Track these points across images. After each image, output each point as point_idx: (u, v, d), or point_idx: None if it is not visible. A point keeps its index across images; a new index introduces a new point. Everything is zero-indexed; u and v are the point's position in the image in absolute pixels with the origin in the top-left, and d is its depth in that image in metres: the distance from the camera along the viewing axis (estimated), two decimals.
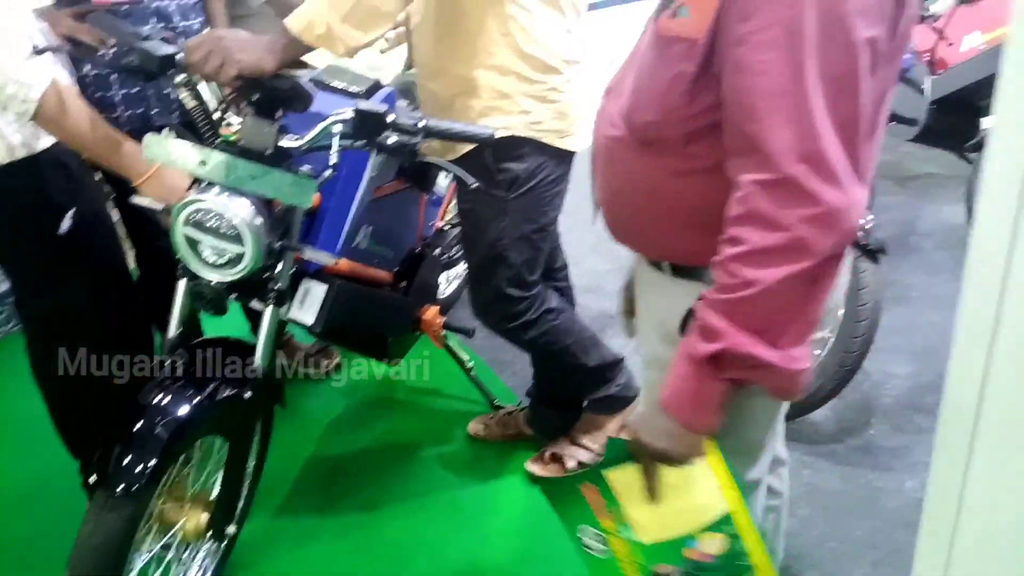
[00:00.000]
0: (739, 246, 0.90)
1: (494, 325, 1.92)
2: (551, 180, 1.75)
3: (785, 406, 1.21)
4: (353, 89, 1.74)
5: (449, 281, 2.77)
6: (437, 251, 2.30)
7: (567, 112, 1.70)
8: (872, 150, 0.94)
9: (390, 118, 1.41)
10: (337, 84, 1.75)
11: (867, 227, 2.03)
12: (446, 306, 2.58)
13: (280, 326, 1.66)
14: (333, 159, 1.42)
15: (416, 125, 1.43)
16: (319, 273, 1.68)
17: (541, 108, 1.68)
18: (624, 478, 1.04)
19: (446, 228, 2.44)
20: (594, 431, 2.07)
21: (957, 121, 3.31)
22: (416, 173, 2.01)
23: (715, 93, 0.92)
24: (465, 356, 2.35)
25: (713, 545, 1.03)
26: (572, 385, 2.06)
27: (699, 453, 1.00)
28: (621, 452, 1.04)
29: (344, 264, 1.75)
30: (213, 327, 2.01)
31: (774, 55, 0.84)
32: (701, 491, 1.02)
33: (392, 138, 1.44)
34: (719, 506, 1.01)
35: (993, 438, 0.73)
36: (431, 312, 2.17)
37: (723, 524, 1.02)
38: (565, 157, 1.76)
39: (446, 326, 2.26)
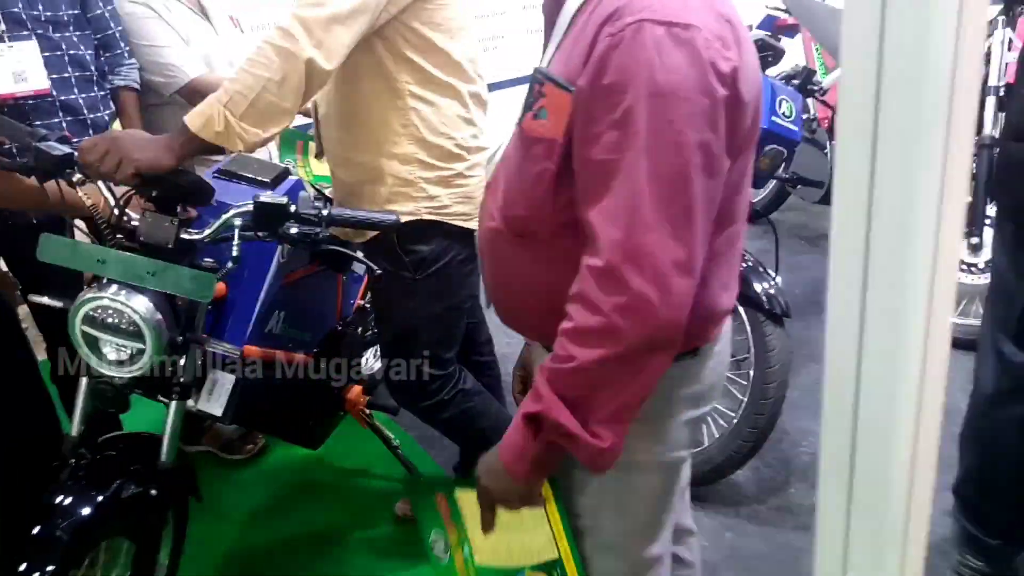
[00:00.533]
0: (569, 322, 0.97)
1: (408, 404, 1.93)
2: (460, 260, 1.79)
3: (681, 479, 1.23)
4: (260, 178, 1.76)
5: (376, 358, 2.76)
6: (358, 329, 2.30)
7: (473, 195, 1.75)
8: (724, 239, 1.02)
9: (291, 209, 1.44)
10: (244, 174, 1.78)
11: (770, 292, 2.11)
12: (373, 384, 2.58)
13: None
14: (234, 252, 1.44)
15: (318, 215, 1.46)
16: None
17: (446, 193, 1.72)
18: (470, 500, 1.11)
19: (368, 306, 2.45)
20: None
21: None
22: (330, 256, 2.03)
23: (575, 189, 0.98)
24: (391, 434, 2.34)
25: None
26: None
27: (531, 502, 1.07)
28: None
29: (256, 351, 1.74)
30: (135, 420, 1.97)
31: (611, 155, 0.91)
32: (534, 534, 1.11)
33: (294, 229, 1.46)
34: (549, 552, 1.11)
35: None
36: (354, 392, 2.16)
37: (552, 570, 1.11)
38: (470, 237, 1.81)
39: (370, 405, 2.25)
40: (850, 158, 0.58)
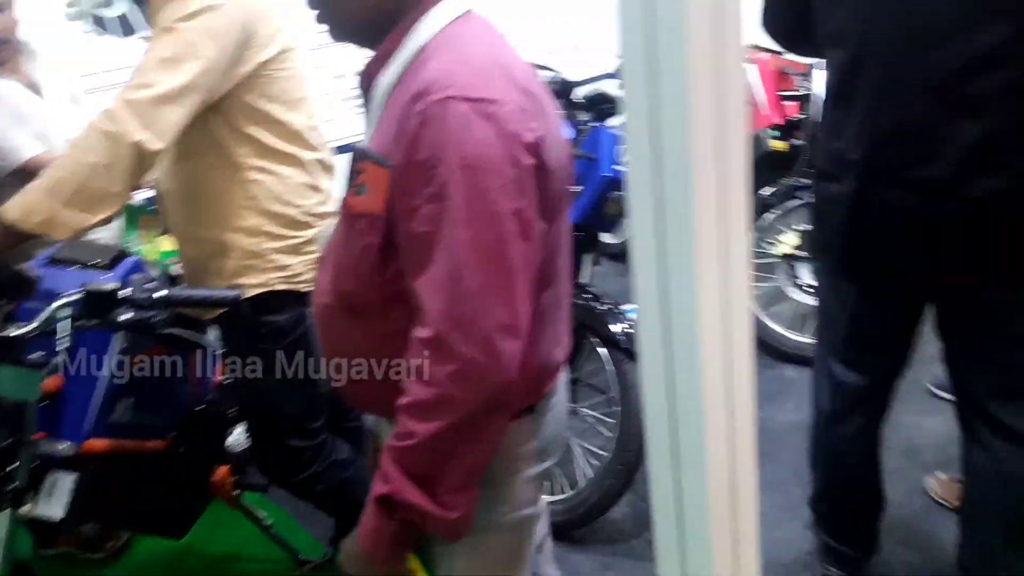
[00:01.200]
0: (406, 397, 0.98)
1: (280, 481, 1.87)
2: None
3: (534, 535, 1.25)
4: (95, 262, 1.69)
5: (245, 435, 2.66)
6: (221, 407, 2.22)
7: None
8: (551, 299, 1.06)
9: (122, 294, 1.39)
10: (78, 259, 1.70)
11: (628, 331, 2.19)
12: (242, 462, 2.47)
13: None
14: (62, 344, 1.37)
15: (151, 298, 1.41)
16: (70, 459, 1.57)
17: (297, 261, 1.71)
18: None
19: (228, 383, 2.36)
20: None
21: None
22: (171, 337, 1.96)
23: (400, 261, 1.00)
24: (263, 513, 2.24)
25: None
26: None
27: None
28: None
29: (100, 444, 1.65)
30: None
31: (430, 227, 0.94)
32: None
33: (127, 314, 1.41)
34: None
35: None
36: (220, 472, 2.07)
37: None
38: None
39: (238, 484, 2.16)
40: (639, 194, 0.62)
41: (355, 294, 1.05)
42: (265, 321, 1.70)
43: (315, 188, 1.74)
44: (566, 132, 2.92)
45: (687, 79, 0.57)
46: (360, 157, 1.01)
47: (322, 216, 1.75)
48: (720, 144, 0.62)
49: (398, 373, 1.06)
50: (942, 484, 2.21)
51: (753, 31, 5.71)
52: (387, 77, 1.04)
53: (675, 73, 0.57)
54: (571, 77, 2.88)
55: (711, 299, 0.65)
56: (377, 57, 1.05)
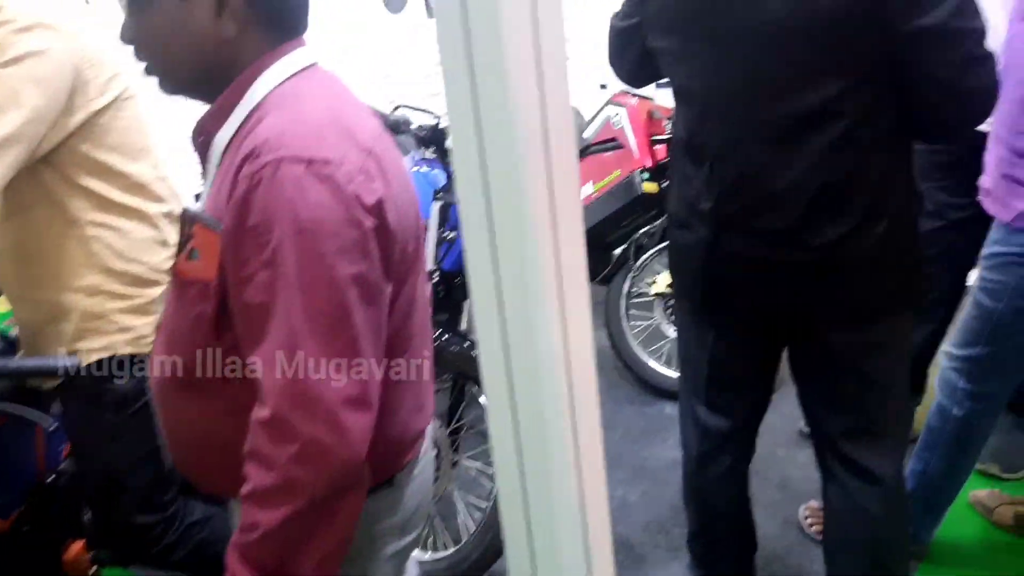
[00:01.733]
0: (248, 484, 0.91)
1: (130, 559, 1.74)
2: None
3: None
4: None
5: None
6: (73, 479, 2.05)
7: None
8: (409, 366, 1.02)
9: None
10: None
11: None
12: (100, 536, 2.29)
13: None
14: None
15: None
16: None
17: (143, 322, 1.60)
18: None
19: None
20: None
21: (591, 255, 3.74)
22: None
23: (235, 332, 0.94)
24: None
25: None
26: None
27: None
28: None
29: None
30: None
31: (265, 296, 0.88)
32: None
33: None
34: None
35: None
36: (74, 549, 1.91)
37: None
38: None
39: (95, 560, 2.00)
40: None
41: (189, 367, 0.97)
42: (108, 388, 1.58)
43: (163, 243, 1.64)
44: (429, 183, 2.89)
45: (513, 131, 0.56)
46: (191, 220, 0.95)
47: (167, 272, 1.66)
48: (554, 200, 0.61)
49: (239, 453, 1.00)
50: (814, 513, 2.28)
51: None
52: (223, 134, 0.99)
53: (501, 125, 0.57)
54: (444, 122, 2.93)
55: (552, 345, 0.64)
56: (213, 112, 1.00)
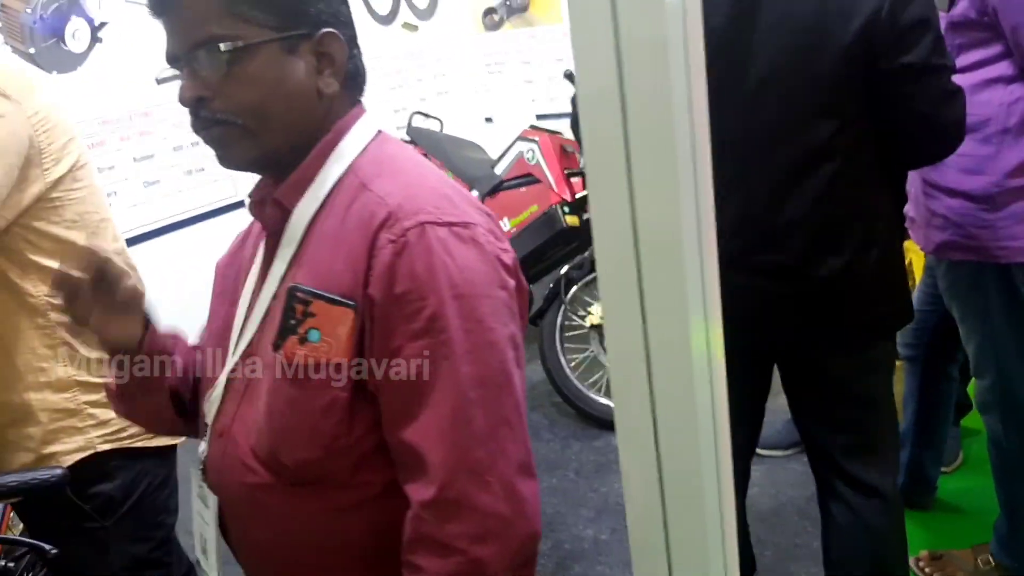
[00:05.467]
0: (418, 575, 0.82)
1: None
2: (157, 486, 1.47)
3: None
4: None
5: None
6: None
7: None
8: None
9: None
10: None
11: None
12: None
13: None
14: None
15: None
16: None
17: None
18: None
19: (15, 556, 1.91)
20: None
21: None
22: None
23: (374, 411, 0.85)
24: None
25: None
26: None
27: None
28: None
29: None
30: None
31: (427, 367, 0.81)
32: None
33: None
34: None
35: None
36: None
37: None
38: (166, 454, 1.50)
39: None
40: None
41: (316, 463, 0.86)
42: (91, 494, 1.38)
43: None
44: None
45: None
46: (306, 298, 0.84)
47: None
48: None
49: (362, 548, 0.90)
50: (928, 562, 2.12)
51: (533, 103, 5.92)
52: (307, 204, 0.89)
53: None
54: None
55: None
56: (293, 182, 0.90)
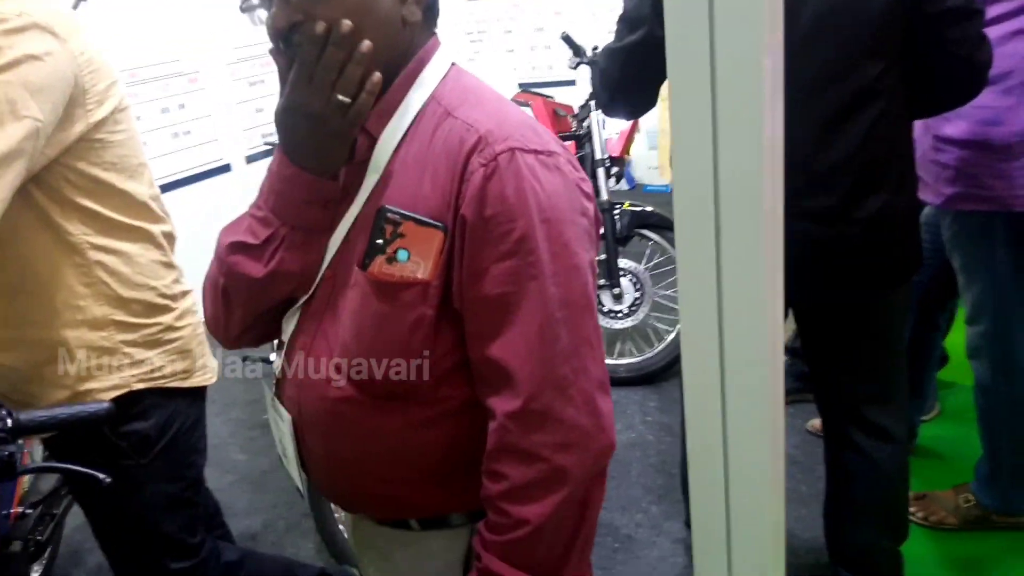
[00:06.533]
0: (502, 482, 0.87)
1: None
2: (189, 426, 1.50)
3: None
4: None
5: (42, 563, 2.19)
6: (18, 545, 1.79)
7: (189, 348, 1.48)
8: None
9: None
10: None
11: None
12: None
13: None
14: None
15: (5, 428, 1.11)
16: None
17: (156, 353, 1.43)
18: None
19: (27, 512, 1.92)
20: None
21: None
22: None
23: (457, 330, 0.89)
24: None
25: None
26: None
27: None
28: None
29: None
30: None
31: (509, 287, 0.85)
32: None
33: None
34: None
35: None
36: None
37: None
38: (197, 395, 1.53)
39: None
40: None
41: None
42: (126, 432, 1.40)
43: (169, 265, 1.48)
44: None
45: None
46: (397, 219, 0.88)
47: (179, 296, 1.49)
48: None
49: (441, 458, 0.95)
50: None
51: (515, 72, 5.90)
52: (391, 133, 0.93)
53: None
54: None
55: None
56: (378, 112, 0.93)
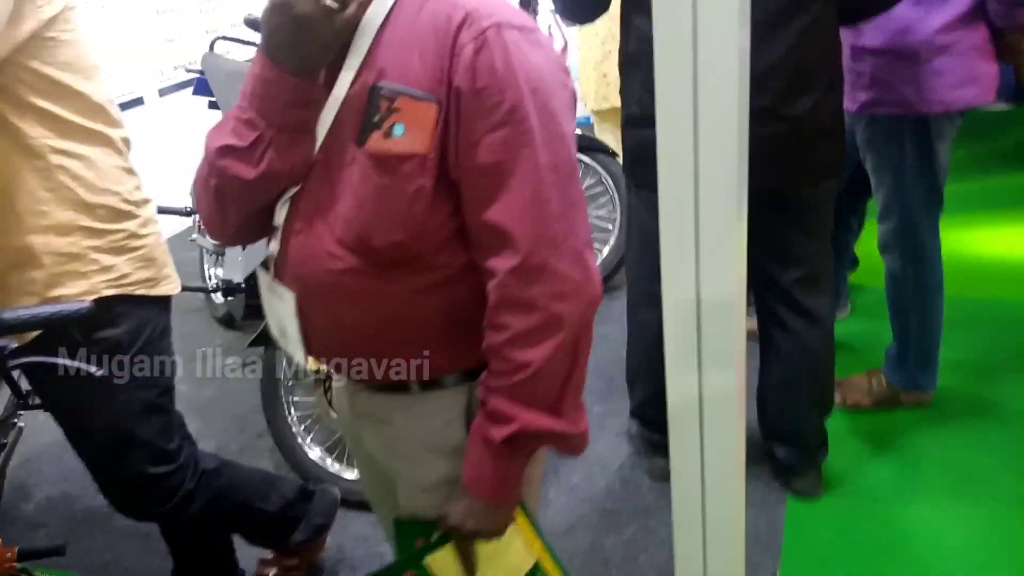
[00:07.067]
0: (504, 332, 0.95)
1: (148, 515, 1.61)
2: (159, 334, 1.51)
3: None
4: None
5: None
6: None
7: (154, 256, 1.49)
8: None
9: None
10: None
11: None
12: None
13: None
14: None
15: None
16: None
17: (123, 260, 1.43)
18: (443, 560, 1.07)
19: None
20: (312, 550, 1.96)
21: None
22: None
23: (454, 199, 0.95)
24: None
25: None
26: (261, 538, 1.88)
27: (510, 522, 1.06)
28: (423, 533, 1.08)
29: None
30: None
31: (502, 155, 0.91)
32: (512, 551, 1.09)
33: None
34: (528, 560, 1.10)
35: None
36: None
37: (534, 574, 1.11)
38: (164, 305, 1.54)
39: (23, 556, 1.76)
40: None
41: (404, 245, 0.96)
42: (97, 339, 1.41)
43: (130, 171, 1.47)
44: None
45: None
46: (391, 95, 0.92)
47: (142, 203, 1.49)
48: None
49: (440, 321, 1.02)
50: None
51: None
52: (374, 15, 0.96)
53: None
54: None
55: None
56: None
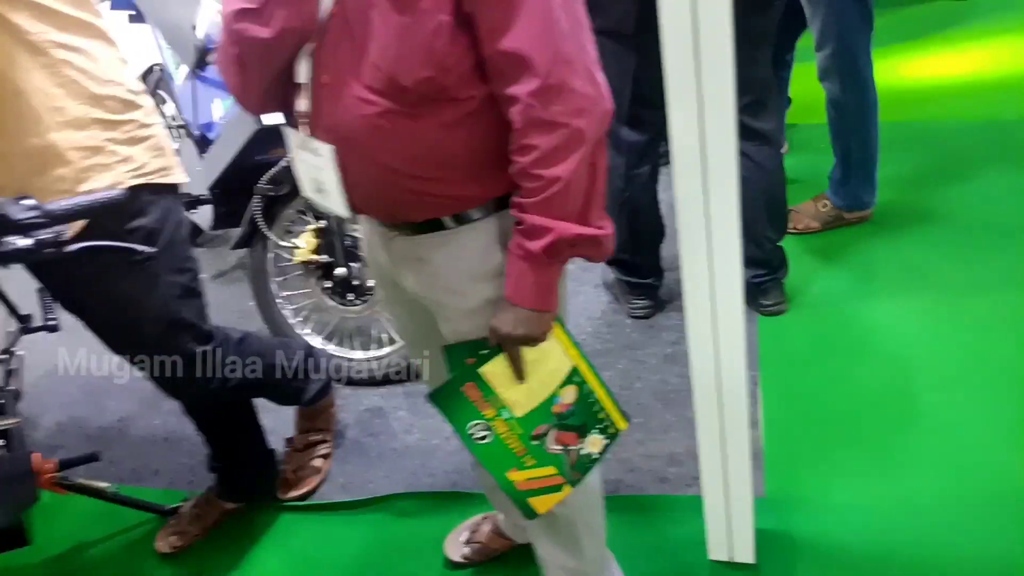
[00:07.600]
0: (532, 152, 1.04)
1: (202, 395, 1.72)
2: (179, 221, 1.57)
3: None
4: None
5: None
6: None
7: (161, 146, 1.53)
8: None
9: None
10: None
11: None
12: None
13: None
14: None
15: (44, 213, 1.17)
16: None
17: (137, 151, 1.47)
18: (495, 369, 1.19)
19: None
20: (326, 415, 2.10)
21: None
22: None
23: (470, 33, 1.03)
24: (103, 483, 1.94)
25: (569, 395, 1.25)
26: (282, 397, 2.00)
27: (551, 328, 1.18)
28: (472, 353, 1.19)
29: None
30: None
31: None
32: (552, 358, 1.22)
33: (23, 241, 1.14)
34: (567, 364, 1.24)
35: None
36: (35, 461, 1.75)
37: (573, 377, 1.25)
38: (177, 192, 1.60)
39: (64, 466, 1.85)
40: None
41: (433, 80, 1.03)
42: (131, 229, 1.46)
43: (124, 60, 1.49)
44: None
45: None
46: None
47: (142, 93, 1.51)
48: None
49: (478, 152, 1.11)
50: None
51: None
52: None
53: None
54: None
55: None
56: None
